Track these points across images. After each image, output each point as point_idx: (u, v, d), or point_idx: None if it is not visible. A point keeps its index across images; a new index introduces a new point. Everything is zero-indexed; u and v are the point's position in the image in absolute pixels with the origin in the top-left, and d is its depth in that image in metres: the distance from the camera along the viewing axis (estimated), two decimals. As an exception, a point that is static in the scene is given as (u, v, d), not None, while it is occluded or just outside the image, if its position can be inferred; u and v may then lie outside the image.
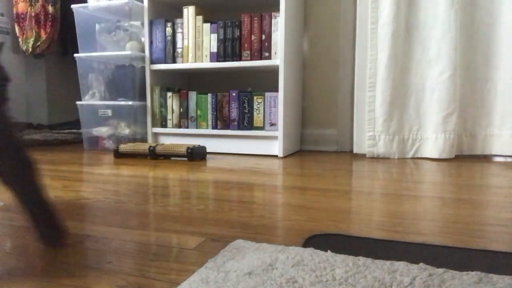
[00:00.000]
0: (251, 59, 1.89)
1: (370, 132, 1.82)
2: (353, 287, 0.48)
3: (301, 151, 2.14)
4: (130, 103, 2.05)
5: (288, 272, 0.52)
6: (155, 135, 2.09)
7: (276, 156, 1.85)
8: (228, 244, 0.63)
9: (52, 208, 0.65)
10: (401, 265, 0.54)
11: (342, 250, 0.59)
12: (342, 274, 0.52)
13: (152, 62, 2.06)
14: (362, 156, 1.86)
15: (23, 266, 0.58)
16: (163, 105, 2.06)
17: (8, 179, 0.64)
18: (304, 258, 0.57)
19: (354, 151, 1.90)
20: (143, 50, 2.08)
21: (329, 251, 0.59)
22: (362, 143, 1.86)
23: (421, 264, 0.54)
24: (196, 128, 2.00)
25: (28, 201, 0.64)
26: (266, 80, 2.10)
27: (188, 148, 1.71)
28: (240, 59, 1.91)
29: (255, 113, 1.90)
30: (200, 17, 1.97)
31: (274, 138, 1.85)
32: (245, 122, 1.91)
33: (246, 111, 1.91)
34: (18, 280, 0.53)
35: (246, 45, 1.89)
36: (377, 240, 0.69)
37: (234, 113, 1.93)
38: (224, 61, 1.93)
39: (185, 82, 2.34)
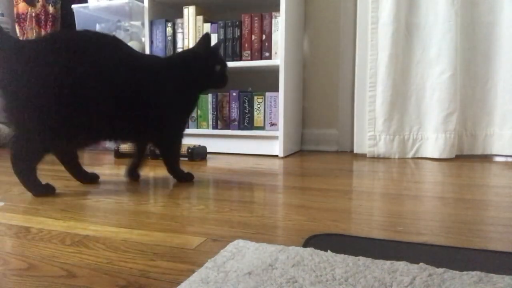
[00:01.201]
0: (251, 59, 1.89)
1: (370, 132, 1.82)
2: (353, 287, 0.48)
3: (301, 151, 2.13)
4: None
5: (288, 272, 0.52)
6: (156, 135, 2.09)
7: (277, 156, 1.85)
8: (228, 244, 0.63)
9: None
10: (401, 265, 0.54)
11: (342, 250, 0.59)
12: (342, 274, 0.52)
13: (153, 62, 2.05)
14: (363, 156, 1.85)
15: (25, 266, 0.58)
16: (164, 105, 2.05)
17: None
18: (304, 258, 0.57)
19: (355, 151, 1.90)
20: (143, 50, 2.08)
21: (329, 251, 0.59)
22: (363, 143, 1.86)
23: (421, 264, 0.54)
24: (197, 128, 2.00)
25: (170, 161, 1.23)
26: (267, 80, 2.09)
27: (188, 148, 1.71)
28: (240, 59, 1.91)
29: (255, 113, 1.90)
30: (200, 17, 1.97)
31: (275, 138, 1.85)
32: (246, 122, 1.91)
33: (247, 111, 1.91)
34: (18, 280, 0.53)
35: (246, 45, 1.89)
36: (377, 240, 0.69)
37: (234, 113, 1.93)
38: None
39: (185, 82, 2.34)
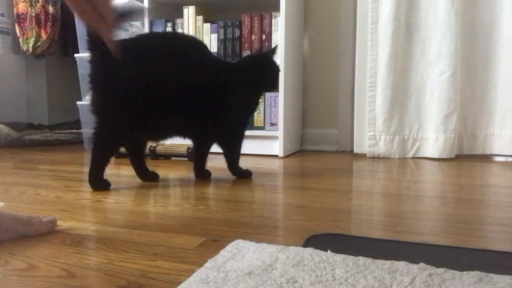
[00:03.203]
0: (251, 59, 1.89)
1: (370, 132, 1.82)
2: (353, 287, 0.48)
3: (301, 151, 2.13)
4: (131, 103, 2.05)
5: (288, 272, 0.52)
6: (156, 135, 2.09)
7: (277, 156, 1.85)
8: (228, 244, 0.63)
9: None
10: (401, 265, 0.54)
11: (342, 250, 0.59)
12: (342, 274, 0.52)
13: (153, 62, 2.05)
14: (363, 156, 1.85)
15: (25, 266, 0.58)
16: (164, 105, 2.05)
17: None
18: (304, 258, 0.57)
19: (355, 151, 1.90)
20: (143, 50, 2.08)
21: (329, 251, 0.59)
22: (363, 143, 1.86)
23: (421, 264, 0.54)
24: (197, 128, 2.00)
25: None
26: (267, 80, 2.09)
27: (188, 148, 1.71)
28: (240, 59, 1.91)
29: (255, 113, 1.89)
30: (200, 17, 1.97)
31: (275, 138, 1.85)
32: (246, 122, 1.91)
33: (247, 111, 1.90)
34: (18, 280, 0.53)
35: (246, 45, 1.89)
36: (377, 240, 0.69)
37: (234, 113, 1.92)
38: (225, 61, 1.92)
39: (185, 82, 2.34)
